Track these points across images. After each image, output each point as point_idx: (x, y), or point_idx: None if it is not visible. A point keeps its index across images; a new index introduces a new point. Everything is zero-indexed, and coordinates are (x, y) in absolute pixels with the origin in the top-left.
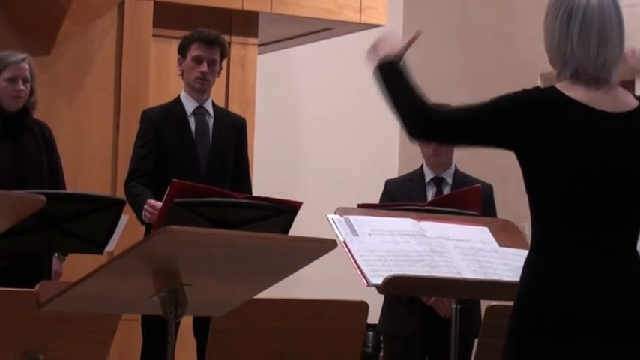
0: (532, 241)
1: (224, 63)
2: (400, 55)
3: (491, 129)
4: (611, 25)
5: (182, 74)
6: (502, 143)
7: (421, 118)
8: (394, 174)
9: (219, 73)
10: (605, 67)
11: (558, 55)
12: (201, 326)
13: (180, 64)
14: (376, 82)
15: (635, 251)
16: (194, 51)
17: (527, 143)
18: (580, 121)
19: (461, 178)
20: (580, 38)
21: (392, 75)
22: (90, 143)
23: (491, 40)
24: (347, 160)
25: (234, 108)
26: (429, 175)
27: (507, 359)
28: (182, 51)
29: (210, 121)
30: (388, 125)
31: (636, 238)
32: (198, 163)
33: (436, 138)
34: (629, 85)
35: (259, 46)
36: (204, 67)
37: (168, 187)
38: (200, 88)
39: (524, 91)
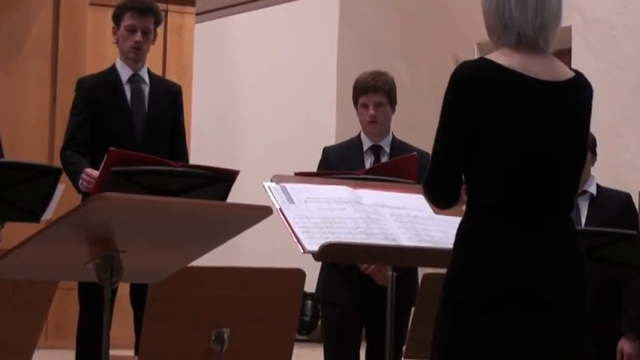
0: (467, 209)
1: (161, 31)
2: None
3: (461, 127)
4: None
5: (117, 42)
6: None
7: (427, 195)
8: (332, 141)
9: (154, 40)
10: (544, 30)
11: (498, 19)
12: (138, 295)
13: (114, 32)
14: None
15: (570, 222)
16: (127, 20)
17: (478, 116)
18: (518, 90)
19: (399, 146)
20: (518, 1)
21: None
22: (27, 112)
23: (428, 10)
24: (285, 128)
25: (171, 76)
26: (366, 143)
27: (440, 328)
28: (116, 20)
29: (146, 89)
30: (325, 93)
31: (572, 207)
32: (133, 131)
33: (441, 188)
34: (566, 54)
35: (197, 15)
36: (138, 36)
37: (106, 156)
38: (134, 57)
39: (455, 72)
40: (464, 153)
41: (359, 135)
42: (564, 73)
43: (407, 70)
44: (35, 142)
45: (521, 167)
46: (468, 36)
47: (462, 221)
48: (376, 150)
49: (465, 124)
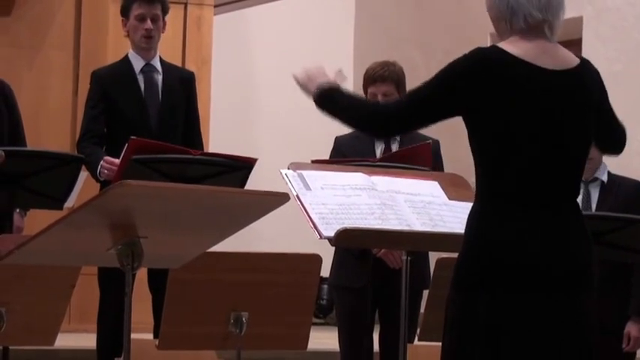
0: (476, 195)
1: (180, 23)
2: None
3: (446, 96)
4: None
5: (128, 35)
6: (455, 109)
7: (374, 118)
8: (347, 130)
9: (163, 29)
10: (549, 9)
11: (504, 5)
12: (157, 281)
13: (124, 25)
14: (321, 109)
15: (577, 207)
16: (136, 10)
17: (477, 102)
18: (526, 79)
19: (409, 134)
20: None
21: (332, 98)
22: (49, 102)
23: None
24: (302, 117)
25: (190, 67)
26: None
27: (451, 311)
28: (124, 12)
29: (159, 78)
30: (341, 82)
31: (578, 191)
32: (148, 120)
33: (397, 127)
34: (577, 44)
35: (215, 6)
36: (148, 24)
37: (127, 144)
38: (147, 46)
39: (469, 55)
40: (435, 117)
41: None
42: (570, 61)
43: (422, 59)
44: (58, 131)
45: (529, 154)
46: (481, 25)
47: (472, 207)
48: (387, 138)
49: (457, 98)
